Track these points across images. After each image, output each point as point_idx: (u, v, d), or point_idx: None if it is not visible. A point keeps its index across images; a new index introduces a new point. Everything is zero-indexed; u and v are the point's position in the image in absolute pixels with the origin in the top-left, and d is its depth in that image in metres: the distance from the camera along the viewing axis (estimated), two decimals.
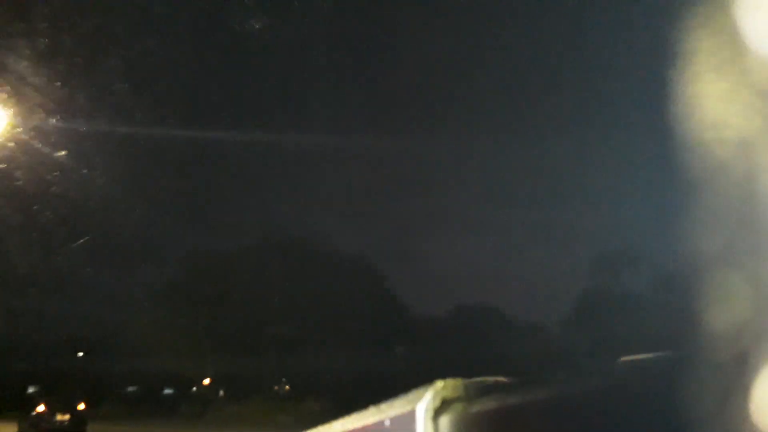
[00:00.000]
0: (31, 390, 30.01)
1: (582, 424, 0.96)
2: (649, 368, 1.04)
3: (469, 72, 26.74)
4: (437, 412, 1.08)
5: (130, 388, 33.15)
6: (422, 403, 1.08)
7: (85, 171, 16.00)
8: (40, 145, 14.70)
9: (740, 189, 0.84)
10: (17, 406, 23.32)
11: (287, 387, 30.88)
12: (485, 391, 1.12)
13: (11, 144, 14.33)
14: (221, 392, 31.29)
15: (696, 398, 0.75)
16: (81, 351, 32.45)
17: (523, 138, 24.63)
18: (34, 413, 22.07)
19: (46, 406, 22.07)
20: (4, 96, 13.22)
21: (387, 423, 1.10)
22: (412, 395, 1.11)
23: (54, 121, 14.58)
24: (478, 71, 26.77)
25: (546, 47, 22.79)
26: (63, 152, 15.13)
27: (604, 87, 20.46)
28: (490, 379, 1.19)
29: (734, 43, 0.84)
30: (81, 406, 23.01)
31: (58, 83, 14.09)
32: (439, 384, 1.10)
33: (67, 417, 22.08)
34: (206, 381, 30.92)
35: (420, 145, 28.02)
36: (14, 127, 13.93)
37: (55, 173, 15.42)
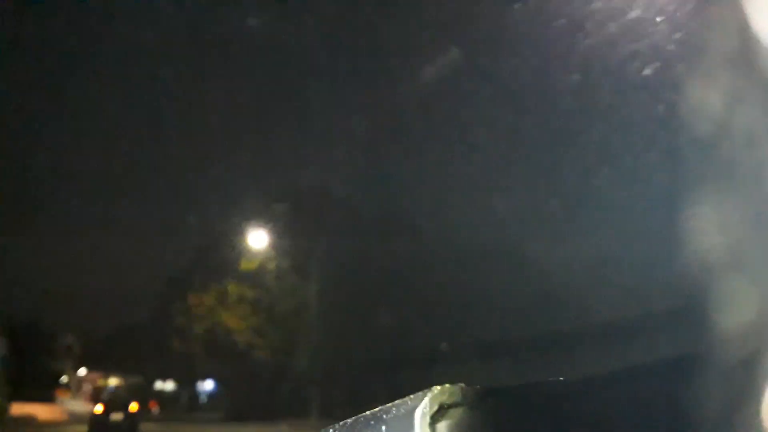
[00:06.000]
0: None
1: (588, 428, 1.09)
2: (657, 371, 1.17)
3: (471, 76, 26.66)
4: (434, 418, 1.19)
5: None
6: (419, 408, 1.19)
7: None
8: None
9: (748, 189, 0.90)
10: None
11: None
12: (484, 396, 1.24)
13: None
14: None
15: (705, 400, 0.88)
16: None
17: (524, 131, 25.66)
18: (92, 413, 28.81)
19: (103, 406, 28.56)
20: None
21: (383, 429, 1.22)
22: (409, 400, 1.23)
23: None
24: (479, 70, 26.71)
25: (539, 38, 22.32)
26: None
27: (610, 84, 20.54)
28: (490, 384, 1.28)
29: (743, 39, 0.88)
30: (134, 407, 29.24)
31: None
32: (437, 389, 1.21)
33: (120, 416, 28.07)
34: None
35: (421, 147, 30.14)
36: None
37: None
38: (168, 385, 72.54)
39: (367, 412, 1.31)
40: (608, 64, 19.65)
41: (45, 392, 48.75)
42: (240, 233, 31.65)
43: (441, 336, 26.91)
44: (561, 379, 1.16)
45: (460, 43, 24.99)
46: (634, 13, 15.43)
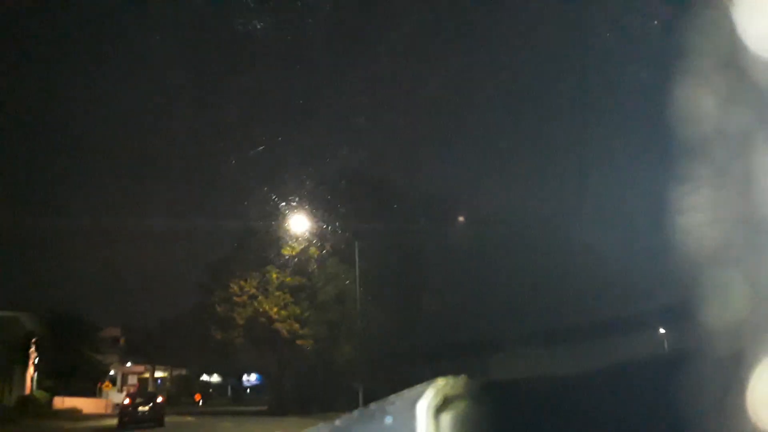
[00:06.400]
0: None
1: (582, 420, 1.16)
2: (648, 364, 1.35)
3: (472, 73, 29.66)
4: (438, 410, 1.26)
5: None
6: (424, 400, 1.25)
7: None
8: None
9: (738, 188, 0.97)
10: None
11: None
12: (486, 388, 1.32)
13: None
14: None
15: (694, 394, 0.93)
16: None
17: (519, 128, 28.34)
18: (121, 405, 32.93)
19: (130, 399, 32.25)
20: None
21: (388, 420, 1.27)
22: (414, 392, 1.30)
23: None
24: (481, 73, 29.79)
25: (542, 43, 24.92)
26: None
27: (603, 85, 22.78)
28: (490, 377, 1.58)
29: (733, 43, 0.96)
30: (159, 399, 32.62)
31: None
32: (441, 381, 1.31)
33: (147, 408, 31.47)
34: None
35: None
36: None
37: None
38: (213, 378, 73.35)
39: (372, 404, 1.37)
40: (603, 68, 21.54)
41: (91, 385, 50.58)
42: (280, 218, 30.46)
43: (489, 323, 26.21)
44: (559, 373, 1.43)
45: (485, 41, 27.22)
46: (627, 18, 16.89)
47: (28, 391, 40.48)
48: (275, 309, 31.90)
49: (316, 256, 31.44)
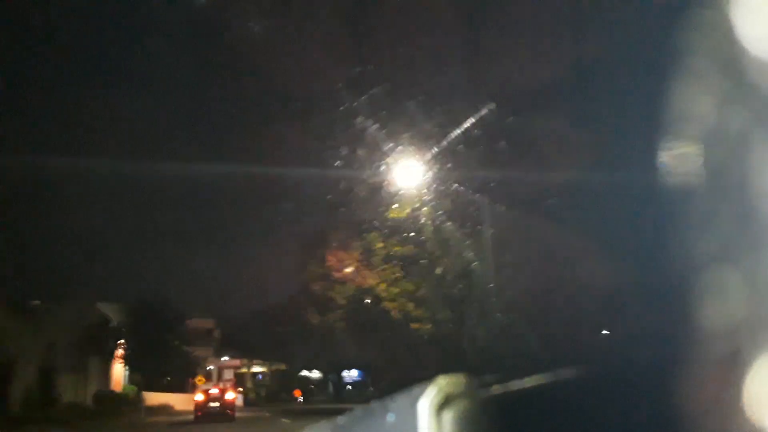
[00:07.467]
0: None
1: (581, 418, 1.17)
2: (645, 364, 1.26)
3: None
4: (440, 408, 1.24)
5: None
6: (425, 398, 1.24)
7: None
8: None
9: (736, 189, 0.95)
10: None
11: None
12: (488, 386, 1.32)
13: None
14: None
15: (691, 394, 0.94)
16: None
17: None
18: (195, 401, 37.39)
19: (204, 395, 36.87)
20: None
21: (390, 418, 1.29)
22: (415, 391, 1.29)
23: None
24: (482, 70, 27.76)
25: (541, 43, 24.07)
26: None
27: (600, 85, 22.16)
28: (494, 375, 1.36)
29: (732, 43, 0.95)
30: (230, 396, 36.93)
31: None
32: (443, 380, 1.27)
33: (217, 404, 35.80)
34: None
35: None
36: None
37: None
38: (314, 374, 70.71)
39: (372, 403, 1.37)
40: (599, 67, 21.78)
41: (183, 379, 51.36)
42: (386, 173, 24.71)
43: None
44: (559, 373, 1.23)
45: None
46: (624, 19, 17.60)
47: (116, 386, 40.29)
48: (383, 285, 28.17)
49: (431, 219, 25.96)
